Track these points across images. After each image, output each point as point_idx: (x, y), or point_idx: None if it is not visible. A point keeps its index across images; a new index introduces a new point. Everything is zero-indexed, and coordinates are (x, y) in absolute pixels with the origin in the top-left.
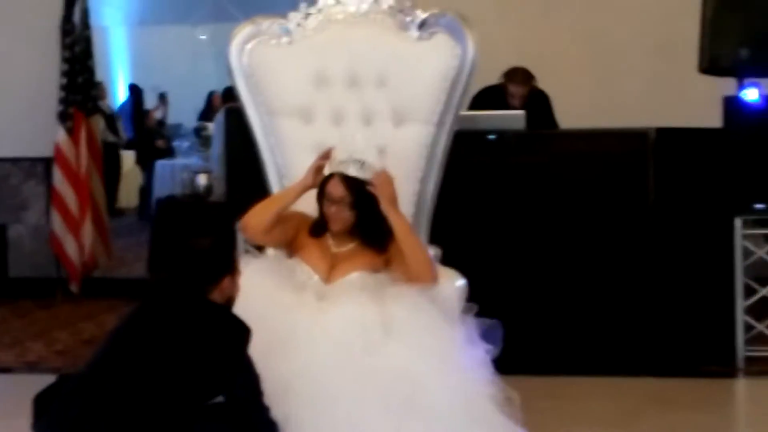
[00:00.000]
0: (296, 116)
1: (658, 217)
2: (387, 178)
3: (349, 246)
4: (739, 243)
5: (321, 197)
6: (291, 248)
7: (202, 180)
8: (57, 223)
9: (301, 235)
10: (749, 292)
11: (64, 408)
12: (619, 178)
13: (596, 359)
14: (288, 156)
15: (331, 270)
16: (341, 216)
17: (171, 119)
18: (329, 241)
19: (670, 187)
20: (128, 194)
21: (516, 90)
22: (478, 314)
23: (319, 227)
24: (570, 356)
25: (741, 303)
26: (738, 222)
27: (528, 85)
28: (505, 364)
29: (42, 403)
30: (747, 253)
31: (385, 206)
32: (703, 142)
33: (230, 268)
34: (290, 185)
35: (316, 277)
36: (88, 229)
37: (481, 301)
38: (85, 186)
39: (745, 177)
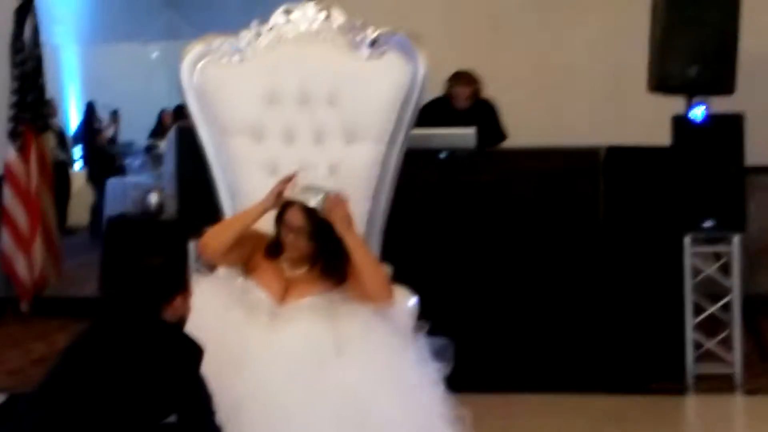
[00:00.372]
0: (247, 134)
1: (608, 235)
2: (339, 200)
3: (303, 269)
4: (688, 261)
5: (279, 222)
6: (246, 268)
7: (153, 198)
8: (7, 241)
9: (256, 256)
10: (698, 309)
11: (16, 428)
12: (569, 196)
13: (548, 376)
14: (239, 174)
15: (284, 293)
16: (298, 245)
17: (123, 137)
18: (284, 264)
19: (620, 205)
20: (79, 212)
21: (461, 91)
22: (430, 332)
23: (274, 249)
24: (521, 373)
25: (690, 320)
26: (687, 240)
27: (472, 85)
28: (456, 382)
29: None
30: (696, 270)
31: (339, 228)
32: (653, 160)
33: (182, 287)
34: (250, 207)
35: (268, 300)
36: (38, 248)
37: (432, 318)
38: (36, 204)
39: (694, 195)
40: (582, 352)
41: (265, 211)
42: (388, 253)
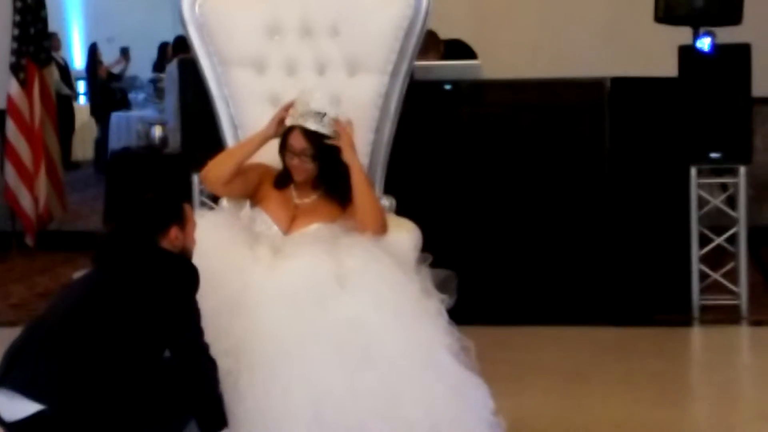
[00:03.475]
0: (249, 66)
1: (613, 167)
2: (345, 125)
3: (312, 198)
4: (694, 192)
5: (283, 149)
6: (253, 199)
7: (157, 132)
8: (11, 175)
9: (264, 187)
10: (704, 241)
11: (27, 359)
12: (574, 127)
13: (552, 309)
14: (242, 106)
15: (292, 221)
16: (303, 167)
17: (127, 71)
18: (292, 192)
19: (625, 137)
20: (84, 147)
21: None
22: (433, 264)
23: (283, 179)
24: (525, 306)
25: (696, 252)
26: (693, 171)
27: (438, 49)
28: (460, 315)
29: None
30: (702, 202)
31: (346, 152)
32: (659, 91)
33: (176, 219)
34: (251, 136)
35: (275, 228)
36: (42, 182)
37: (436, 251)
38: (39, 138)
39: (700, 126)
40: (587, 284)
41: (266, 139)
42: (391, 186)
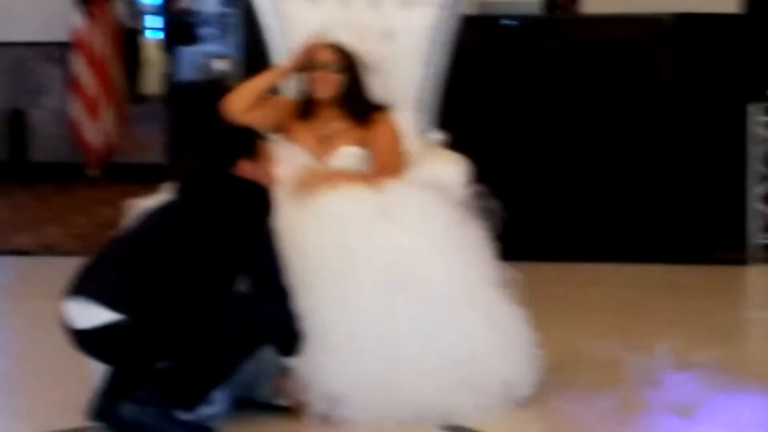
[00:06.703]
0: None
1: (671, 104)
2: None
3: (335, 124)
4: (752, 130)
5: (305, 70)
6: (279, 133)
7: (217, 65)
8: (76, 108)
9: (288, 119)
10: (762, 179)
11: (104, 272)
12: (632, 64)
13: (606, 247)
14: (296, 37)
15: (320, 148)
16: (328, 80)
17: (197, 6)
18: (316, 122)
19: (685, 74)
20: (153, 81)
21: None
22: (484, 197)
23: (306, 109)
24: (580, 243)
25: (754, 190)
26: (752, 109)
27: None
28: (513, 250)
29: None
30: (761, 140)
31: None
32: (719, 28)
33: (247, 152)
34: (274, 67)
35: (306, 157)
36: (107, 115)
37: (490, 186)
38: (104, 71)
39: (760, 64)
40: (643, 221)
41: (286, 71)
42: (447, 121)
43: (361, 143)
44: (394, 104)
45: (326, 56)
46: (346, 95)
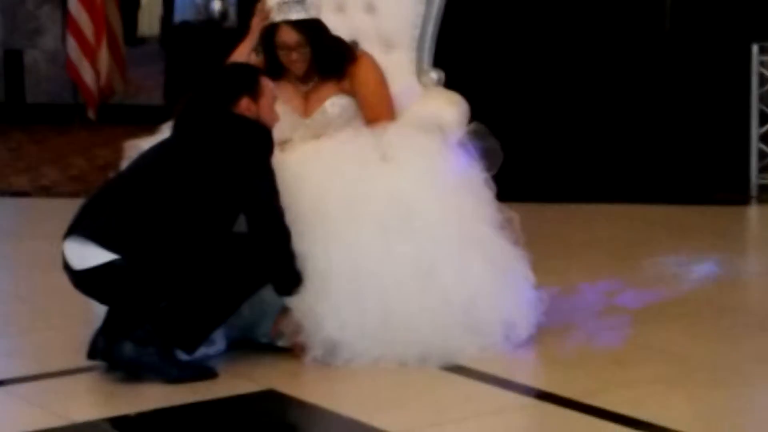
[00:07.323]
0: None
1: (674, 43)
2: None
3: (314, 80)
4: (755, 70)
5: (271, 47)
6: None
7: (216, 6)
8: (73, 49)
9: None
10: (764, 119)
11: (101, 211)
12: (636, 4)
13: (607, 187)
14: None
15: (306, 105)
16: (303, 59)
17: None
18: (293, 82)
19: (687, 13)
20: (151, 23)
21: None
22: (482, 136)
23: (273, 70)
24: (580, 183)
25: (756, 131)
26: (755, 48)
27: None
28: (512, 191)
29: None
30: (763, 80)
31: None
32: None
33: (249, 89)
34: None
35: (294, 116)
36: (104, 56)
37: (487, 126)
38: (101, 12)
39: (763, 3)
40: (644, 161)
41: (251, 46)
42: (441, 59)
43: (347, 92)
44: (357, 41)
45: (292, 38)
46: (317, 61)
